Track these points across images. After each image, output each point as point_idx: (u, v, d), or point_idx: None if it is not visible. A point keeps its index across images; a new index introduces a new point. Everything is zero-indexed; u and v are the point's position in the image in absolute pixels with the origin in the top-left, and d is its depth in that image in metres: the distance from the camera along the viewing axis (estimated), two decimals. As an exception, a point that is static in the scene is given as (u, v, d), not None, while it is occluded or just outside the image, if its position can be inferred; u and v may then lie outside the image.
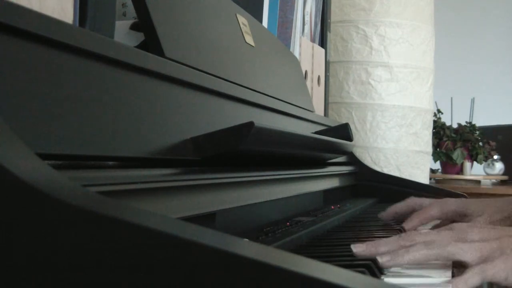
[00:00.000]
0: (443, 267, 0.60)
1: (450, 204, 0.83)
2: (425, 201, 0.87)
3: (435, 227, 0.86)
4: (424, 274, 0.58)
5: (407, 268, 0.60)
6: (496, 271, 0.56)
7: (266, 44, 1.02)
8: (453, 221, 0.81)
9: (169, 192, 0.50)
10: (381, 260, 0.58)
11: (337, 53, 1.84)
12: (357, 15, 1.82)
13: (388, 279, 0.56)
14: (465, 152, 2.67)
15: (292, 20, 1.34)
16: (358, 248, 0.61)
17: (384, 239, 0.62)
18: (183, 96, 0.59)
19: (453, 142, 2.66)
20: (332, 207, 1.04)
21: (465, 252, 0.58)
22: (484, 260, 0.57)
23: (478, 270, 0.56)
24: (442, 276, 0.57)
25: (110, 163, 0.46)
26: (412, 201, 0.88)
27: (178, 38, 0.66)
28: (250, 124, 0.54)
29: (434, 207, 0.83)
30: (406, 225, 0.82)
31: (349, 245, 0.61)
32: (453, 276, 0.58)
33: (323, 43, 1.63)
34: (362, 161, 1.44)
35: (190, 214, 0.53)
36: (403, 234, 0.62)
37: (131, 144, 0.48)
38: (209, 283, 0.28)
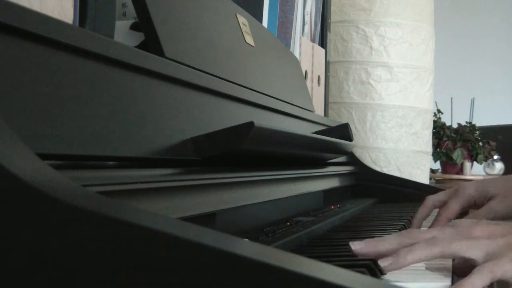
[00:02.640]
0: (442, 275, 0.58)
1: (469, 191, 0.83)
2: (440, 195, 0.86)
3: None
4: (423, 283, 0.56)
5: (405, 275, 0.58)
6: (505, 269, 0.53)
7: (266, 44, 1.02)
8: (476, 205, 0.80)
9: (169, 192, 0.50)
10: (383, 264, 0.55)
11: (337, 53, 1.84)
12: (357, 15, 1.82)
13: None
14: (465, 152, 2.67)
15: (292, 20, 1.34)
16: (357, 246, 0.59)
17: (384, 237, 0.60)
18: (183, 96, 0.59)
19: (453, 142, 2.67)
20: (332, 207, 1.04)
21: (470, 249, 0.55)
22: (491, 257, 0.55)
23: (486, 270, 0.53)
24: (442, 282, 0.55)
25: (110, 163, 0.46)
26: (430, 201, 0.87)
27: (178, 38, 0.66)
28: (250, 124, 0.54)
29: (454, 202, 0.83)
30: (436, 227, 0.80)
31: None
32: (453, 283, 0.55)
33: (323, 43, 1.63)
34: (362, 161, 1.44)
35: (190, 214, 0.53)
36: (403, 232, 0.60)
37: (131, 144, 0.48)
38: (209, 283, 0.28)
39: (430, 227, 0.82)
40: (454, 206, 0.83)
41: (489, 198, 0.82)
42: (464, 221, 0.62)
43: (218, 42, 0.78)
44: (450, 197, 0.84)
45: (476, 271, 0.53)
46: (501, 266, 0.53)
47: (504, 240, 0.56)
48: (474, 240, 0.56)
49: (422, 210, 0.87)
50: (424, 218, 0.87)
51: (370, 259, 0.56)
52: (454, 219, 0.83)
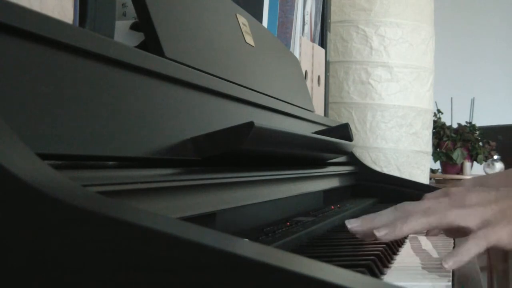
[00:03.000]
0: (442, 275, 0.58)
1: (467, 185, 0.82)
2: (438, 193, 0.86)
3: None
4: (423, 283, 0.56)
5: (406, 275, 0.58)
6: (501, 235, 0.54)
7: (266, 44, 1.02)
8: None
9: (169, 192, 0.50)
10: (378, 233, 0.55)
11: (337, 53, 1.84)
12: (357, 15, 1.82)
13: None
14: (465, 152, 2.67)
15: (292, 20, 1.34)
16: (354, 224, 0.59)
17: (379, 212, 0.60)
18: (183, 96, 0.59)
19: (453, 142, 2.67)
20: (332, 207, 1.04)
21: (466, 218, 0.55)
22: (486, 224, 0.55)
23: (481, 236, 0.54)
24: (442, 282, 0.55)
25: (110, 163, 0.46)
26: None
27: (178, 38, 0.66)
28: (250, 124, 0.54)
29: None
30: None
31: (349, 245, 0.60)
32: (453, 286, 0.55)
33: (323, 43, 1.63)
34: (362, 161, 1.44)
35: (190, 214, 0.53)
36: (398, 205, 0.59)
37: (131, 144, 0.48)
38: (209, 283, 0.28)
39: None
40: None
41: None
42: (457, 189, 0.61)
43: (218, 42, 0.78)
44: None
45: (471, 238, 0.53)
46: (495, 233, 0.54)
47: (498, 207, 0.56)
48: (469, 208, 0.56)
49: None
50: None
51: (370, 259, 0.56)
52: None
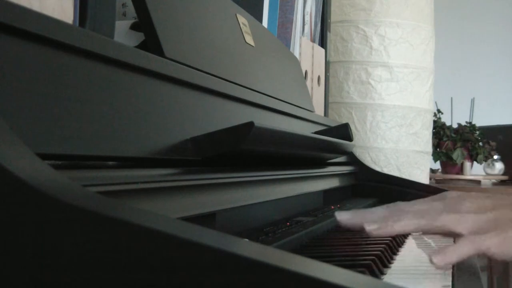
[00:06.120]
0: (443, 277, 0.57)
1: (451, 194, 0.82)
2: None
3: None
4: (423, 285, 0.56)
5: (406, 276, 0.58)
6: (491, 244, 0.52)
7: (266, 44, 1.02)
8: None
9: (169, 192, 0.50)
10: (368, 227, 0.55)
11: (337, 53, 1.84)
12: (357, 15, 1.82)
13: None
14: (465, 152, 2.67)
15: (292, 20, 1.34)
16: (343, 216, 0.57)
17: (371, 208, 0.59)
18: (183, 96, 0.59)
19: (453, 142, 2.67)
20: (332, 207, 1.04)
21: (457, 223, 0.54)
22: (477, 231, 0.54)
23: (470, 242, 0.52)
24: (442, 283, 0.55)
25: (110, 163, 0.46)
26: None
27: (178, 38, 0.66)
28: (250, 124, 0.54)
29: None
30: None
31: (349, 245, 0.60)
32: (453, 286, 0.55)
33: (323, 43, 1.63)
34: (362, 161, 1.44)
35: (190, 214, 0.53)
36: (391, 204, 0.59)
37: (131, 144, 0.48)
38: (209, 283, 0.28)
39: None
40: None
41: None
42: (453, 193, 0.61)
43: (218, 42, 0.78)
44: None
45: (461, 240, 0.52)
46: (485, 240, 0.53)
47: (492, 215, 0.55)
48: (462, 215, 0.55)
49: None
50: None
51: (370, 259, 0.56)
52: None
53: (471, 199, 0.58)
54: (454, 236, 0.56)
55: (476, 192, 0.61)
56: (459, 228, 0.55)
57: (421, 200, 0.62)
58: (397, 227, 0.55)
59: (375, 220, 0.57)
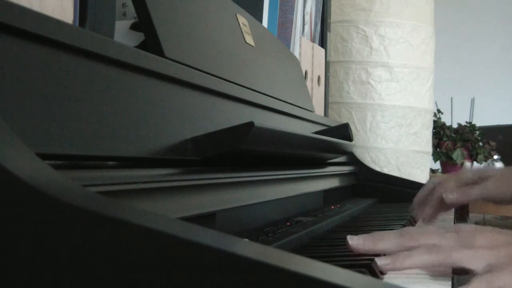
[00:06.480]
0: (443, 277, 0.57)
1: (467, 173, 0.85)
2: (440, 178, 0.89)
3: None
4: (423, 285, 0.55)
5: (406, 276, 0.58)
6: (504, 282, 0.51)
7: (266, 44, 1.02)
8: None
9: (169, 192, 0.50)
10: (379, 262, 0.54)
11: (337, 53, 1.84)
12: (357, 15, 1.82)
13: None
14: (465, 152, 2.67)
15: (292, 20, 1.34)
16: (355, 241, 0.57)
17: (384, 233, 0.58)
18: (183, 96, 0.59)
19: (453, 142, 2.67)
20: (332, 207, 1.04)
21: (471, 260, 0.54)
22: (491, 269, 0.53)
23: (485, 281, 0.51)
24: (442, 284, 0.55)
25: (110, 163, 0.46)
26: (431, 183, 0.89)
27: (178, 38, 0.66)
28: (250, 124, 0.54)
29: (451, 180, 0.85)
30: (424, 213, 0.84)
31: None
32: (453, 286, 0.55)
33: (323, 43, 1.63)
34: (362, 161, 1.44)
35: (190, 214, 0.53)
36: (404, 231, 0.58)
37: (131, 144, 0.48)
38: (209, 283, 0.28)
39: (425, 203, 0.85)
40: (450, 184, 0.84)
41: (486, 179, 0.83)
42: (467, 227, 0.59)
43: (218, 42, 0.78)
44: (445, 178, 0.87)
45: (475, 280, 0.52)
46: (500, 279, 0.52)
47: (506, 251, 0.54)
48: (475, 250, 0.55)
49: (423, 190, 0.89)
50: (424, 198, 0.88)
51: (370, 259, 0.56)
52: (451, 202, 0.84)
53: (485, 234, 0.57)
54: (467, 272, 0.55)
55: (490, 228, 0.60)
56: (472, 265, 0.54)
57: (433, 229, 0.60)
58: (408, 263, 0.54)
59: (386, 249, 0.57)
